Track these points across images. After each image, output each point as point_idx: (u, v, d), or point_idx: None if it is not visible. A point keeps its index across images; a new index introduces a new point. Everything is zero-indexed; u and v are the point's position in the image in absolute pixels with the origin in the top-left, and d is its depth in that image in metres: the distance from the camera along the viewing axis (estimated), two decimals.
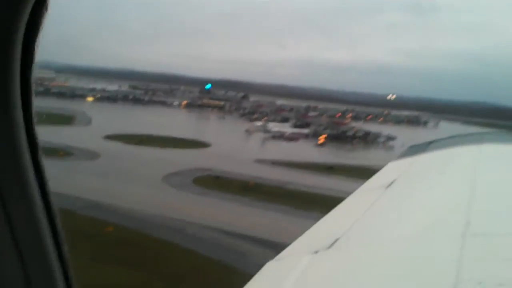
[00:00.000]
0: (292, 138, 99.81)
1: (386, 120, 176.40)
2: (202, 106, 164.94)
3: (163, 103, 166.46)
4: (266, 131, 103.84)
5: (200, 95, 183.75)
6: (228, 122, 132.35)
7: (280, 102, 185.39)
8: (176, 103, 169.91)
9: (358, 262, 3.53)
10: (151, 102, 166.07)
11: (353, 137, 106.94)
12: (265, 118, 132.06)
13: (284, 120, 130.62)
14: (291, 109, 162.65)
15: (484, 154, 6.69)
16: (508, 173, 5.66)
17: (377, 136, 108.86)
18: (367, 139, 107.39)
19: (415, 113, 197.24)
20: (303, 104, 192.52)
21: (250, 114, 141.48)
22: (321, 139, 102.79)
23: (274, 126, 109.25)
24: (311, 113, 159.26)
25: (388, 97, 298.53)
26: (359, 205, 5.20)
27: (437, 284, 2.80)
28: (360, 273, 3.33)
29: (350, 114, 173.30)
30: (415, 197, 5.11)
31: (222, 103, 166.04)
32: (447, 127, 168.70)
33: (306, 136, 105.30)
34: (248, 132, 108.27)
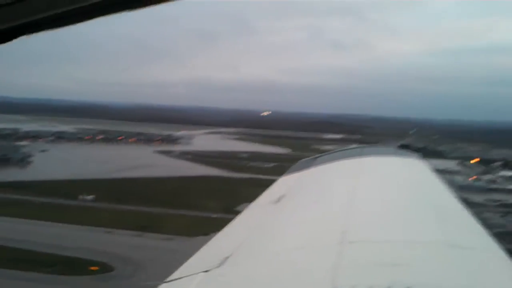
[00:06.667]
0: None
1: (139, 140, 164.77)
2: None
3: None
4: None
5: None
6: None
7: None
8: None
9: (246, 279, 3.62)
10: None
11: None
12: None
13: None
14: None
15: (362, 167, 7.14)
16: (383, 184, 6.12)
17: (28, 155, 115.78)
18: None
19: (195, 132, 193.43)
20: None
21: None
22: None
23: None
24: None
25: (263, 114, 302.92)
26: (249, 221, 5.33)
27: None
28: None
29: (100, 136, 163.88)
30: (301, 211, 5.34)
31: None
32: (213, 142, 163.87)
33: None
34: None
